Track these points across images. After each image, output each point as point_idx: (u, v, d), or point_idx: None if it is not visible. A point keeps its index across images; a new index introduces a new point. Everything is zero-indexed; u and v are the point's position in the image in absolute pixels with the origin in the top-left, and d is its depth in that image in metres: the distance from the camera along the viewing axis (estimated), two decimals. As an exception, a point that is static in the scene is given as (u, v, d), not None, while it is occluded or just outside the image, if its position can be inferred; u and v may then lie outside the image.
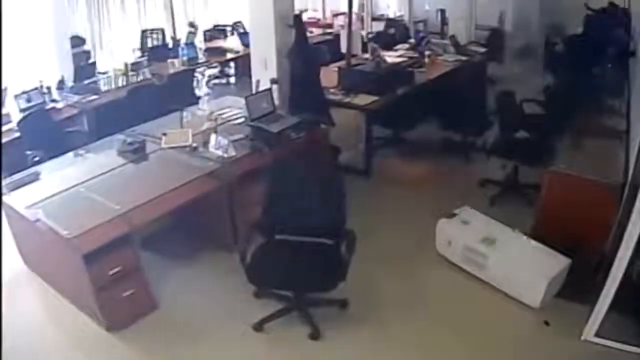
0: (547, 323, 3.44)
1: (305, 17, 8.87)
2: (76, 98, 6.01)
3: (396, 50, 7.60)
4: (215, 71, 9.61)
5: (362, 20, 10.31)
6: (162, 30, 8.93)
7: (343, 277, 3.20)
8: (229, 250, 3.97)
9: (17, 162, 4.50)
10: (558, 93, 5.55)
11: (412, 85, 6.05)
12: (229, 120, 4.92)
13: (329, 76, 5.89)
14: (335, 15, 11.43)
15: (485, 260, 3.77)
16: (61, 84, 6.31)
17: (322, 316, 3.47)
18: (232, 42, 9.22)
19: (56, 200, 3.66)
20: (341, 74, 5.92)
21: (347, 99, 5.51)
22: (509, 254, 3.73)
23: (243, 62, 8.46)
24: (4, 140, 4.83)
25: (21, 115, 5.34)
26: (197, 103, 6.79)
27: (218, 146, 4.21)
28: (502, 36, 9.11)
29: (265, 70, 5.24)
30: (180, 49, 8.10)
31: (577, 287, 3.51)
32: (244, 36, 8.55)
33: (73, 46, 7.21)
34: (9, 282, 3.75)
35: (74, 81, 6.46)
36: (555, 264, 3.58)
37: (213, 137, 4.31)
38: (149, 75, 6.90)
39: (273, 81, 5.16)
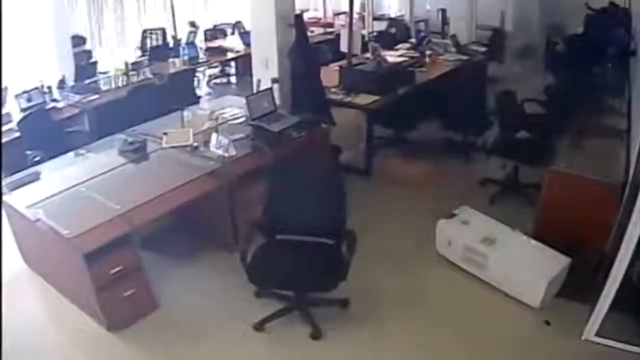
0: (547, 323, 3.44)
1: (306, 16, 8.87)
2: (77, 98, 6.01)
3: (397, 49, 7.61)
4: (216, 71, 9.62)
5: (363, 19, 10.31)
6: (163, 30, 8.93)
7: (344, 276, 3.20)
8: (229, 250, 3.97)
9: (18, 161, 4.51)
10: (559, 93, 5.55)
11: (413, 85, 6.05)
12: (230, 120, 4.92)
13: (330, 76, 5.90)
14: (337, 14, 11.44)
15: (485, 260, 3.77)
16: (62, 84, 6.31)
17: (323, 316, 3.47)
18: (233, 42, 9.23)
19: (57, 200, 3.66)
20: (342, 73, 5.92)
21: (348, 99, 5.51)
22: (509, 253, 3.73)
23: (244, 62, 8.47)
24: (4, 140, 4.83)
25: (22, 114, 5.34)
26: (198, 102, 6.80)
27: (219, 146, 4.21)
28: (503, 36, 9.10)
29: (266, 69, 5.24)
30: (181, 49, 8.11)
31: (578, 286, 3.51)
32: (244, 36, 8.56)
33: (74, 46, 7.21)
34: (9, 281, 3.76)
35: (75, 81, 6.47)
36: (555, 263, 3.58)
37: (214, 136, 4.31)
38: (149, 75, 6.90)
39: (274, 81, 5.16)
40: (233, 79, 9.67)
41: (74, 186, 3.82)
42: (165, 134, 4.51)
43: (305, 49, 5.18)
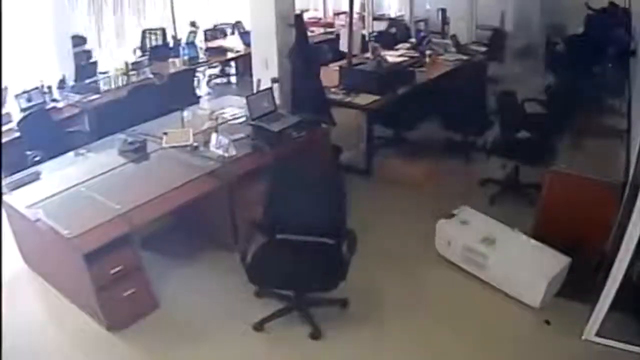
0: (547, 322, 3.44)
1: (306, 16, 8.87)
2: (77, 97, 6.02)
3: (397, 49, 7.61)
4: (216, 70, 9.62)
5: (363, 19, 10.31)
6: (163, 30, 8.93)
7: (343, 276, 3.20)
8: (229, 250, 3.97)
9: (18, 161, 4.51)
10: (559, 93, 5.54)
11: (413, 85, 6.05)
12: (230, 120, 4.92)
13: (330, 75, 5.90)
14: (337, 14, 11.45)
15: (485, 260, 3.77)
16: (62, 84, 6.32)
17: (323, 316, 3.47)
18: (233, 42, 9.23)
19: (57, 200, 3.66)
20: (342, 73, 5.92)
21: (348, 99, 5.52)
22: (509, 253, 3.73)
23: (244, 62, 8.48)
24: (4, 140, 4.83)
25: (22, 114, 5.34)
26: (198, 102, 6.79)
27: (219, 145, 4.21)
28: (503, 36, 9.10)
29: (266, 69, 5.24)
30: (181, 49, 8.12)
31: (577, 286, 3.51)
32: (245, 35, 8.56)
33: (74, 45, 7.21)
34: (9, 281, 3.76)
35: (75, 80, 6.48)
36: (555, 263, 3.58)
37: (214, 136, 4.31)
38: (149, 75, 6.91)
39: (274, 80, 5.16)
40: (233, 79, 9.68)
41: (74, 186, 3.82)
42: (165, 134, 4.51)
43: (305, 49, 5.18)
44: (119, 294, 3.35)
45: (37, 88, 5.88)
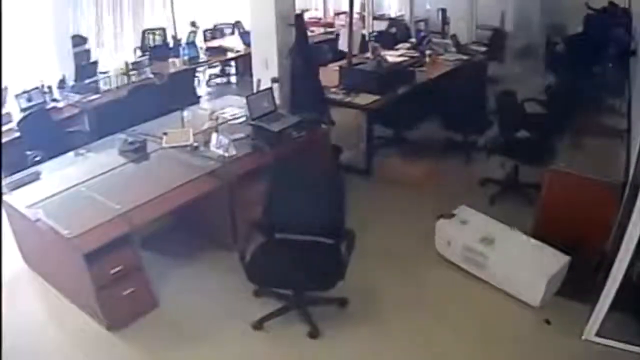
0: (548, 322, 3.44)
1: (306, 16, 8.87)
2: (77, 97, 6.03)
3: (397, 49, 7.60)
4: (216, 70, 9.62)
5: (363, 19, 10.31)
6: (163, 30, 8.94)
7: (342, 276, 3.21)
8: (229, 250, 3.96)
9: (18, 161, 4.52)
10: (559, 93, 5.54)
11: (413, 85, 6.05)
12: (230, 120, 4.92)
13: (330, 75, 5.90)
14: (337, 14, 11.45)
15: (485, 259, 3.77)
16: (62, 84, 6.33)
17: (321, 315, 3.47)
18: (233, 42, 9.23)
19: (57, 200, 3.66)
20: (342, 73, 5.92)
21: (348, 99, 5.51)
22: (508, 252, 3.73)
23: (244, 62, 8.48)
24: (4, 140, 4.84)
25: (22, 114, 5.35)
26: (198, 102, 6.81)
27: (219, 145, 4.21)
28: (503, 36, 9.10)
29: (266, 69, 5.24)
30: (181, 49, 8.12)
31: (577, 285, 3.51)
32: (245, 35, 8.56)
33: (74, 45, 7.21)
34: (9, 281, 3.76)
35: (75, 80, 6.48)
36: (554, 262, 3.58)
37: (214, 136, 4.31)
38: (150, 75, 6.92)
39: (274, 80, 5.16)
40: (233, 79, 9.68)
41: (74, 186, 3.82)
42: (165, 133, 4.51)
43: (305, 49, 5.18)
44: (119, 293, 3.35)
45: (37, 88, 5.89)
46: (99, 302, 3.31)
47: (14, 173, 4.08)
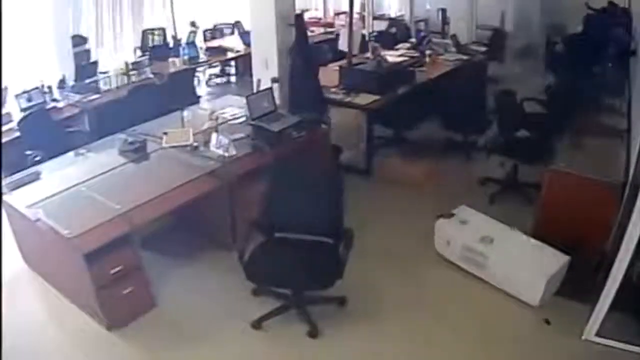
0: (548, 322, 3.44)
1: (306, 16, 8.87)
2: (77, 97, 6.02)
3: (397, 49, 7.60)
4: (216, 70, 9.62)
5: (363, 19, 10.31)
6: (163, 30, 8.94)
7: (340, 275, 3.21)
8: (229, 250, 3.97)
9: (18, 161, 4.52)
10: (559, 92, 5.54)
11: (413, 85, 6.05)
12: (230, 120, 4.92)
13: (330, 75, 5.90)
14: (337, 14, 11.45)
15: (484, 259, 3.77)
16: (62, 83, 6.32)
17: (320, 314, 3.48)
18: (233, 42, 9.23)
19: (57, 200, 3.66)
20: (342, 73, 5.92)
21: (348, 99, 5.51)
22: (508, 252, 3.73)
23: (244, 62, 8.49)
24: (4, 140, 4.84)
25: (22, 114, 5.35)
26: (198, 102, 6.80)
27: (219, 145, 4.21)
28: (503, 36, 9.10)
29: (266, 69, 5.25)
30: (181, 48, 8.12)
31: (577, 285, 3.51)
32: (244, 35, 8.56)
33: (74, 45, 7.21)
34: (9, 281, 3.76)
35: (75, 80, 6.48)
36: (554, 261, 3.58)
37: (214, 136, 4.31)
38: (150, 75, 6.92)
39: (274, 80, 5.16)
40: (233, 79, 9.68)
41: (74, 186, 3.82)
42: (165, 133, 4.52)
43: (305, 49, 5.18)
44: (119, 293, 3.35)
45: (37, 88, 5.89)
46: (99, 302, 3.31)
47: (14, 173, 4.08)
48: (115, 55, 8.29)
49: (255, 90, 5.13)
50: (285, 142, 4.49)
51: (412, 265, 4.08)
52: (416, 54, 7.24)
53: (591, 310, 3.23)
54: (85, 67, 6.91)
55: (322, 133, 4.97)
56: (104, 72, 6.81)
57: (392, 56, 6.96)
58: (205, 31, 9.68)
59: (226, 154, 4.12)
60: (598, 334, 3.23)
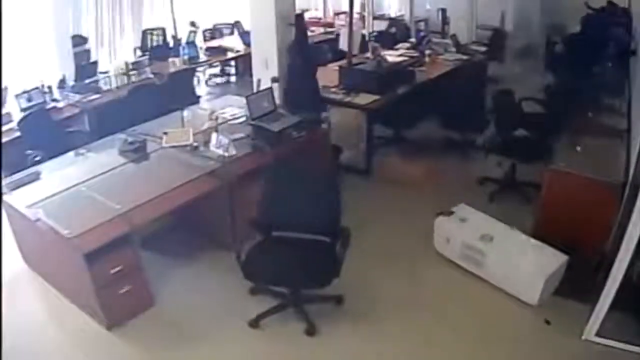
0: (547, 322, 3.44)
1: (306, 16, 8.86)
2: (77, 97, 6.02)
3: (397, 49, 7.60)
4: (216, 70, 9.61)
5: (363, 19, 10.31)
6: (163, 30, 8.93)
7: (337, 273, 3.22)
8: (229, 250, 3.96)
9: (18, 161, 4.51)
10: (558, 92, 5.55)
11: (413, 85, 6.05)
12: (230, 120, 4.92)
13: (329, 75, 5.91)
14: (337, 14, 11.45)
15: (483, 257, 3.77)
16: (62, 83, 6.32)
17: (318, 312, 3.49)
18: (233, 41, 9.22)
19: (57, 200, 3.66)
20: (342, 73, 5.92)
21: (348, 98, 5.51)
22: (507, 251, 3.74)
23: (244, 61, 8.49)
24: (4, 139, 4.84)
25: (22, 114, 5.34)
26: (198, 102, 6.80)
27: (219, 145, 4.21)
28: (503, 36, 9.10)
29: (266, 69, 5.25)
30: (181, 48, 8.12)
31: (575, 284, 3.52)
32: (244, 35, 8.55)
33: (74, 45, 7.21)
34: (9, 281, 3.76)
35: (75, 80, 6.48)
36: (552, 260, 3.58)
37: (214, 136, 4.31)
38: (150, 75, 6.91)
39: (274, 80, 5.16)
40: (233, 79, 9.67)
41: (74, 186, 3.82)
42: (165, 133, 4.51)
43: (304, 49, 5.19)
44: (119, 293, 3.36)
45: (37, 88, 5.88)
46: (99, 301, 3.31)
47: (14, 173, 4.08)
48: (115, 55, 8.29)
49: (255, 90, 5.13)
50: (286, 142, 4.49)
51: (411, 265, 4.08)
52: (416, 54, 7.24)
53: (591, 310, 3.23)
54: (85, 67, 6.90)
55: (322, 133, 4.97)
56: (104, 72, 6.81)
57: (392, 56, 6.96)
58: (205, 31, 9.68)
59: (226, 154, 4.12)
60: (598, 334, 3.23)
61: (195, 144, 4.37)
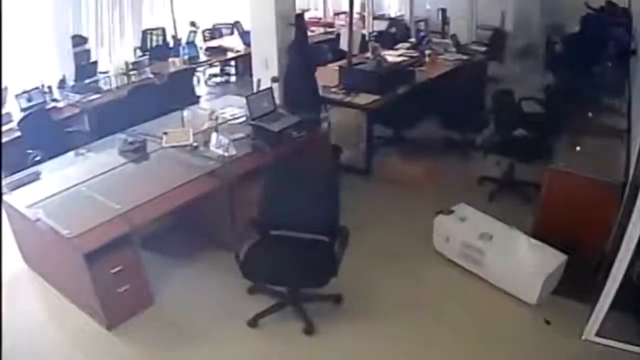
0: (547, 322, 3.43)
1: (306, 16, 8.87)
2: (77, 97, 6.02)
3: (397, 49, 7.60)
4: (216, 70, 9.61)
5: (363, 19, 10.31)
6: (163, 30, 8.93)
7: (335, 272, 3.22)
8: (228, 250, 3.95)
9: (18, 161, 4.51)
10: (558, 92, 5.55)
11: (413, 85, 6.05)
12: (230, 120, 4.92)
13: (329, 75, 5.91)
14: (337, 14, 11.45)
15: (483, 256, 3.77)
16: (62, 83, 6.32)
17: (316, 312, 3.49)
18: (233, 41, 9.23)
19: (57, 200, 3.66)
20: (342, 73, 5.92)
21: (348, 98, 5.51)
22: (506, 250, 3.74)
23: (244, 61, 8.49)
24: (4, 139, 4.84)
25: (22, 114, 5.35)
26: (197, 102, 6.80)
27: (219, 145, 4.21)
28: (503, 36, 9.10)
29: (266, 69, 5.25)
30: (181, 48, 8.12)
31: (575, 284, 3.52)
32: (244, 35, 8.55)
33: (74, 45, 7.21)
34: (9, 281, 3.76)
35: (75, 80, 6.48)
36: (552, 260, 3.59)
37: (214, 136, 4.31)
38: (150, 75, 6.92)
39: (274, 80, 5.16)
40: (233, 79, 9.67)
41: (74, 186, 3.82)
42: (165, 133, 4.51)
43: (304, 48, 5.18)
44: (119, 293, 3.36)
45: (37, 88, 5.89)
46: (99, 301, 3.31)
47: (14, 173, 4.08)
48: (115, 55, 8.29)
49: (255, 90, 5.12)
50: (285, 142, 4.49)
51: (410, 264, 4.08)
52: (416, 54, 7.24)
53: (591, 310, 3.23)
54: (85, 67, 6.90)
55: (322, 133, 4.98)
56: (104, 72, 6.81)
57: (392, 56, 6.96)
58: (205, 31, 9.68)
59: (226, 154, 4.12)
60: (598, 334, 3.23)
61: (195, 144, 4.37)
